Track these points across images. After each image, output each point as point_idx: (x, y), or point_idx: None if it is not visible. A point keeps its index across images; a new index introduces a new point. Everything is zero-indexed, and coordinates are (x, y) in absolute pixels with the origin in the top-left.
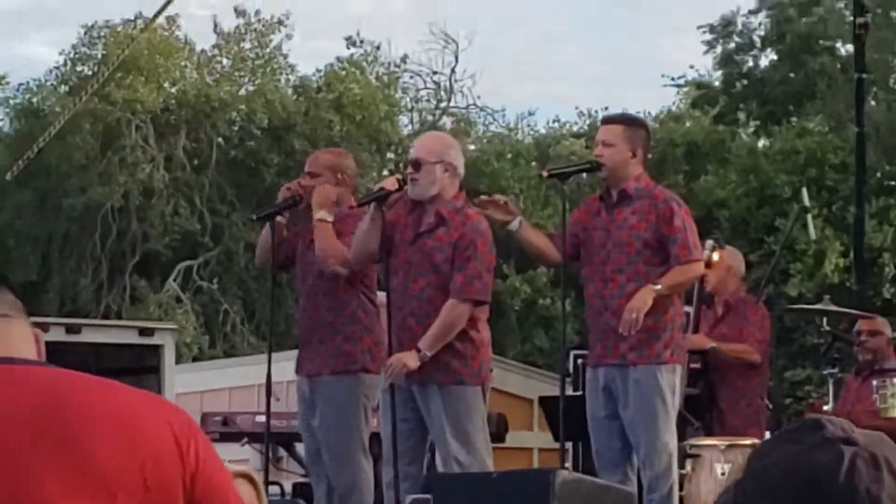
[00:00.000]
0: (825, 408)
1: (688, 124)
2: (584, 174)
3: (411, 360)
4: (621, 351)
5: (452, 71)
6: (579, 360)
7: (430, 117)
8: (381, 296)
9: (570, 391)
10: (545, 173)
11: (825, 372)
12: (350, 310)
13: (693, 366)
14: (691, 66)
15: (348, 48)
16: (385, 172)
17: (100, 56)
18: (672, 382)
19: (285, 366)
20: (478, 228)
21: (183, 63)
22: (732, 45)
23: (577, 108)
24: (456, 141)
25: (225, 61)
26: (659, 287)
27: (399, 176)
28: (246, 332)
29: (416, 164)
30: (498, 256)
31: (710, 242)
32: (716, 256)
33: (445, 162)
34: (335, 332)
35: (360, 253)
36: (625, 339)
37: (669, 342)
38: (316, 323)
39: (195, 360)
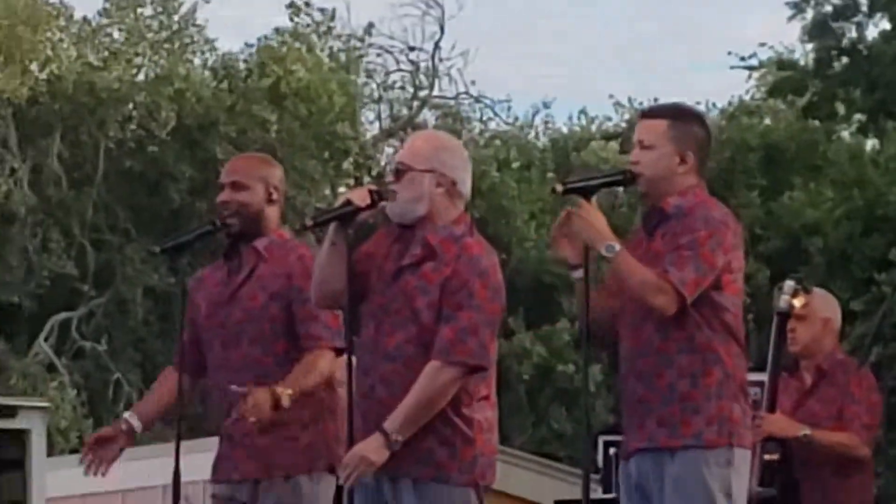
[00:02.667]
0: None
1: (766, 120)
2: (618, 189)
3: (375, 452)
4: (649, 429)
5: (436, 46)
6: (611, 450)
7: (404, 111)
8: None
9: (598, 493)
10: (560, 187)
11: None
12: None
13: (768, 457)
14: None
15: (291, 18)
16: (342, 189)
17: None
18: (725, 479)
19: (201, 459)
20: (478, 265)
21: (57, 36)
22: (829, 7)
23: (611, 96)
24: (459, 145)
25: (116, 34)
26: (614, 248)
27: (374, 187)
28: None
29: (399, 172)
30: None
31: (789, 284)
32: (798, 303)
33: (438, 172)
34: (278, 423)
35: (323, 295)
36: (651, 411)
37: (716, 416)
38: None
39: (74, 451)
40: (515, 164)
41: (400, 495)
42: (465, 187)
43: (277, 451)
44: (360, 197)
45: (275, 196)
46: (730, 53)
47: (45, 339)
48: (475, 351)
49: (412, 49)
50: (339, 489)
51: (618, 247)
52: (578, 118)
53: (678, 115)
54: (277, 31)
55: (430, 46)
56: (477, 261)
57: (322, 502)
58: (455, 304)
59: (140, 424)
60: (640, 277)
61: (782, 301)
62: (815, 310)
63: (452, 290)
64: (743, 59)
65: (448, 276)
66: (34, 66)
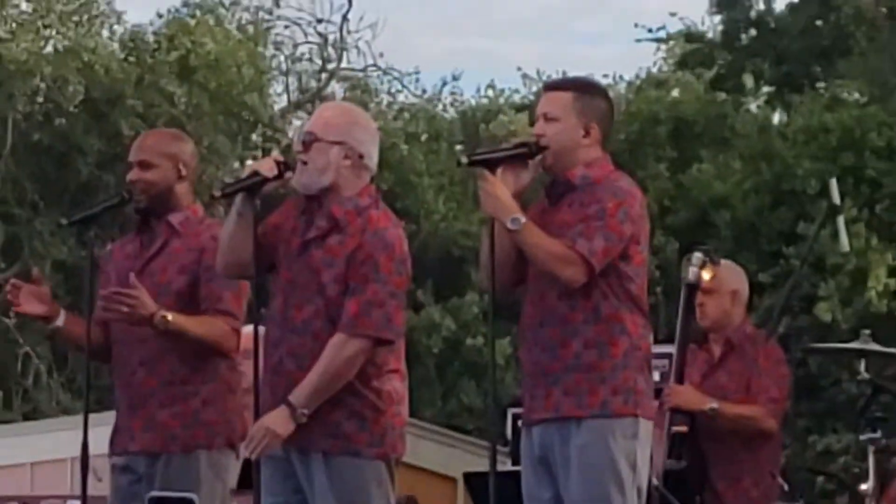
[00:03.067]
0: (862, 487)
1: (674, 93)
2: (521, 161)
3: (281, 424)
4: (554, 399)
5: (344, 18)
6: (519, 422)
7: (313, 83)
8: (247, 331)
9: (507, 465)
10: (465, 159)
11: (864, 437)
12: (208, 363)
13: (677, 429)
14: (675, 14)
15: None
16: (249, 162)
17: None
18: (630, 451)
19: (109, 432)
20: (383, 237)
21: None
22: None
23: (519, 69)
24: (368, 119)
25: (24, 5)
26: (519, 220)
27: (280, 158)
28: (55, 385)
29: (307, 142)
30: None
31: (697, 255)
32: (707, 275)
33: (347, 145)
34: (179, 398)
35: (227, 264)
36: (557, 381)
37: (621, 386)
38: (153, 382)
39: None
40: (423, 137)
41: (310, 470)
42: (372, 161)
43: (176, 425)
44: (267, 167)
45: (184, 172)
46: (637, 26)
47: None
48: (380, 323)
49: (320, 21)
50: (247, 462)
51: (523, 219)
52: (486, 91)
53: (582, 87)
54: (186, 2)
55: (338, 18)
56: (382, 233)
57: (221, 478)
58: (360, 276)
59: (64, 319)
60: (548, 249)
61: (690, 272)
62: (723, 282)
63: (358, 262)
64: (650, 30)
65: (353, 249)
66: None
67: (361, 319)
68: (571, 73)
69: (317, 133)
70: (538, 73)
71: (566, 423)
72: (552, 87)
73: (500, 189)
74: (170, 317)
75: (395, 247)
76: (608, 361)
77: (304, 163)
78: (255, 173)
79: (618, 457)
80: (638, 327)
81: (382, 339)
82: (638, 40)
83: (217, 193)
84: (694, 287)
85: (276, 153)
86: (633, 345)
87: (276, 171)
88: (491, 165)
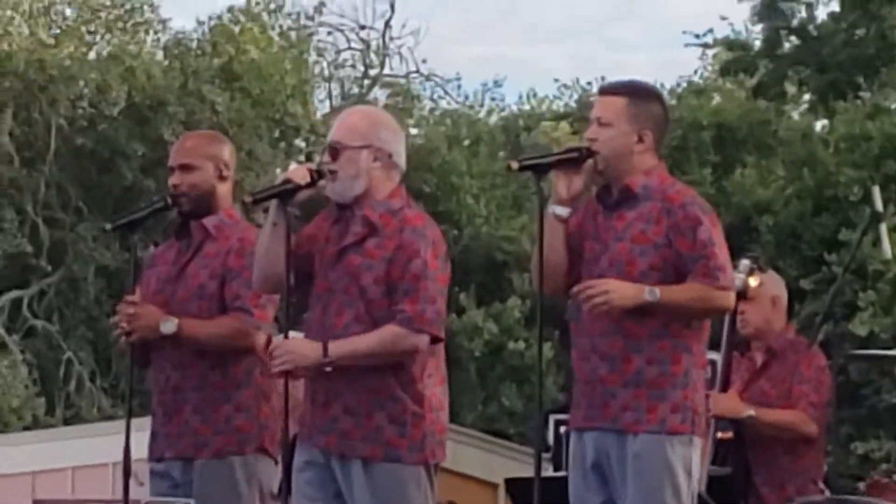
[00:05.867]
0: None
1: (717, 99)
2: (573, 165)
3: (308, 352)
4: (612, 411)
5: (387, 25)
6: (562, 428)
7: (355, 90)
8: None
9: (549, 471)
10: (516, 165)
11: None
12: (241, 368)
13: (722, 436)
14: (724, 18)
15: None
16: (293, 167)
17: None
18: (687, 458)
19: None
20: (424, 235)
21: (7, 13)
22: None
23: (556, 80)
24: (391, 118)
25: (68, 11)
26: (656, 294)
27: (313, 166)
28: (96, 391)
29: (334, 151)
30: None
31: (745, 263)
32: (754, 282)
33: (375, 147)
34: (211, 404)
35: (266, 278)
36: (616, 394)
37: (680, 404)
38: (186, 388)
39: (26, 429)
40: (465, 143)
41: (350, 476)
42: (401, 159)
43: (208, 430)
44: (300, 175)
45: (225, 173)
46: (684, 32)
47: None
48: (435, 321)
49: (363, 28)
50: (286, 468)
51: (657, 289)
52: (528, 98)
53: (637, 92)
54: (230, 9)
55: (380, 25)
56: (423, 231)
57: (255, 483)
58: (411, 275)
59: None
60: (695, 298)
61: (738, 280)
62: (763, 289)
63: (404, 262)
64: (697, 36)
65: (394, 250)
66: None
67: (420, 317)
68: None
69: (342, 141)
70: (576, 81)
71: (623, 433)
72: (607, 90)
73: (615, 283)
74: (176, 324)
75: (438, 244)
76: (669, 379)
77: (334, 172)
78: (288, 181)
79: (675, 463)
80: (700, 345)
81: (439, 337)
82: (686, 45)
83: (248, 199)
84: (741, 295)
85: (319, 162)
86: (694, 363)
87: (308, 179)
88: (542, 170)
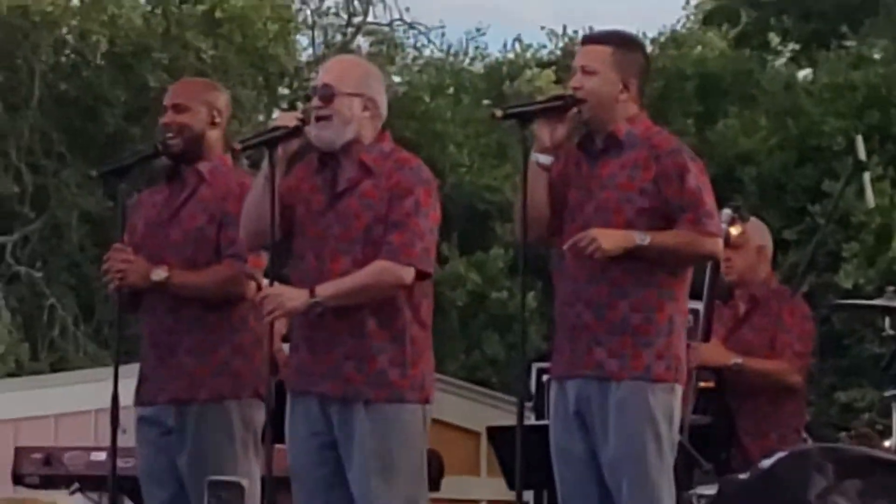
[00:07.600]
0: (886, 443)
1: (699, 49)
2: (557, 114)
3: (295, 300)
4: (597, 358)
5: None
6: (545, 377)
7: (338, 37)
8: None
9: (531, 419)
10: (500, 113)
11: (888, 394)
12: (237, 312)
13: (704, 385)
14: None
15: None
16: (275, 114)
17: None
18: (668, 406)
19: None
20: (419, 173)
21: None
22: None
23: (543, 27)
24: (377, 69)
25: None
26: (646, 239)
27: (300, 114)
28: (81, 336)
29: (328, 95)
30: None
31: (727, 212)
32: (736, 231)
33: (366, 96)
34: (208, 346)
35: (258, 234)
36: (600, 341)
37: (665, 352)
38: (181, 330)
39: (11, 375)
40: (449, 91)
41: (350, 418)
42: (384, 108)
43: (205, 372)
44: (289, 120)
45: (217, 119)
46: None
47: None
48: (423, 256)
49: None
50: (274, 413)
51: (647, 235)
52: (513, 46)
53: (622, 42)
54: None
55: None
56: (418, 170)
57: (251, 429)
58: (404, 211)
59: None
60: (683, 243)
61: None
62: (749, 238)
63: (398, 197)
64: None
65: (393, 186)
66: None
67: (407, 250)
68: (597, 29)
69: (335, 86)
70: (564, 29)
71: (606, 380)
72: (591, 39)
73: (604, 231)
74: (166, 273)
75: (431, 183)
76: (654, 326)
77: (323, 117)
78: (278, 127)
79: (656, 411)
80: (684, 293)
81: (425, 272)
82: None
83: (237, 146)
84: (724, 242)
85: (296, 111)
86: (678, 310)
87: (296, 124)
88: (526, 118)
